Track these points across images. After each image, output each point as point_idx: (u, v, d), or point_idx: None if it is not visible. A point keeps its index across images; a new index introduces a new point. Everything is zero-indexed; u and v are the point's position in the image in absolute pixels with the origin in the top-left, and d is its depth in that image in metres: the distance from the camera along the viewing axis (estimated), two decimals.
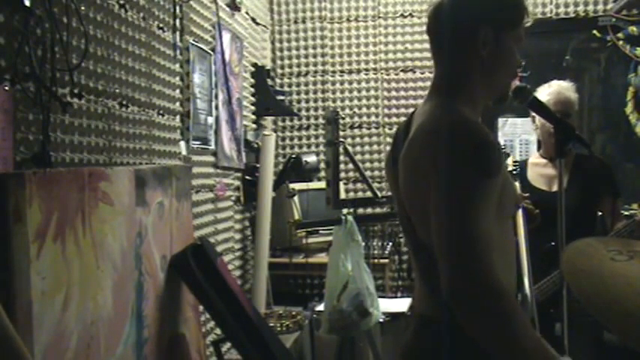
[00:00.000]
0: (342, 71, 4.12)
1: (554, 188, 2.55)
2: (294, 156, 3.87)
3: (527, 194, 2.47)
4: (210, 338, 2.58)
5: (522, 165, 2.70)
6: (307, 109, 4.16)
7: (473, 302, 1.13)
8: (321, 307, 2.95)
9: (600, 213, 2.61)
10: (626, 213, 2.57)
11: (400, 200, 1.40)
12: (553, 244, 2.34)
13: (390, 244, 3.87)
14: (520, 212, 2.31)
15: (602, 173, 2.60)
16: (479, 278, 1.13)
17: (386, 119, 4.07)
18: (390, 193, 3.38)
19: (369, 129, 4.09)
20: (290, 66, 4.16)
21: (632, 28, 3.71)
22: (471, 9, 1.36)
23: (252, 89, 3.61)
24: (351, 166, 3.89)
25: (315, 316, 3.09)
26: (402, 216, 1.41)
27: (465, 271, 1.14)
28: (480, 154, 1.21)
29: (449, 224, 1.18)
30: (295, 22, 4.15)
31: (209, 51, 2.81)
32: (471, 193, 1.18)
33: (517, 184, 2.50)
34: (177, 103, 2.50)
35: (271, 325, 3.00)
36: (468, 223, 1.16)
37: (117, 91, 1.95)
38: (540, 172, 2.65)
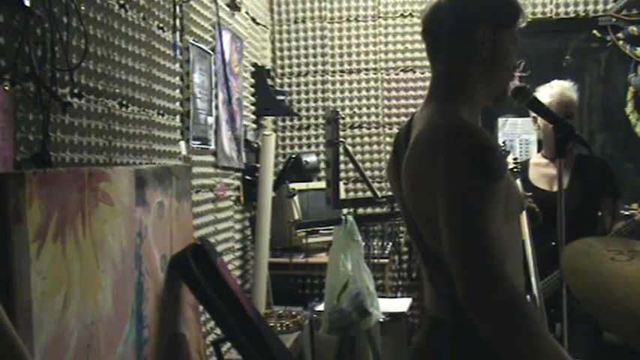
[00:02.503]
0: (342, 71, 4.11)
1: (556, 188, 2.55)
2: (294, 156, 3.87)
3: (529, 193, 2.47)
4: (210, 338, 2.58)
5: (524, 165, 2.70)
6: (307, 109, 4.16)
7: (490, 309, 1.13)
8: (321, 307, 2.96)
9: (600, 213, 2.61)
10: (626, 213, 2.57)
11: (405, 206, 1.39)
12: (553, 244, 2.34)
13: (390, 244, 3.87)
14: (523, 212, 2.31)
15: (603, 173, 2.60)
16: (495, 285, 1.13)
17: (386, 119, 4.07)
18: (390, 193, 3.40)
19: (369, 129, 4.09)
20: (290, 66, 4.16)
21: (632, 28, 3.71)
22: (467, 9, 1.36)
23: (252, 89, 3.61)
24: (351, 166, 3.89)
25: (315, 316, 3.09)
26: (408, 221, 1.40)
27: (481, 279, 1.14)
28: (484, 159, 1.20)
29: (460, 232, 1.18)
30: (295, 22, 4.14)
31: (209, 51, 2.81)
32: (479, 200, 1.18)
33: (518, 182, 2.50)
34: (177, 103, 2.50)
35: (271, 325, 3.00)
36: (480, 231, 1.16)
37: (117, 91, 1.95)
38: (542, 172, 2.65)
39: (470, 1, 1.37)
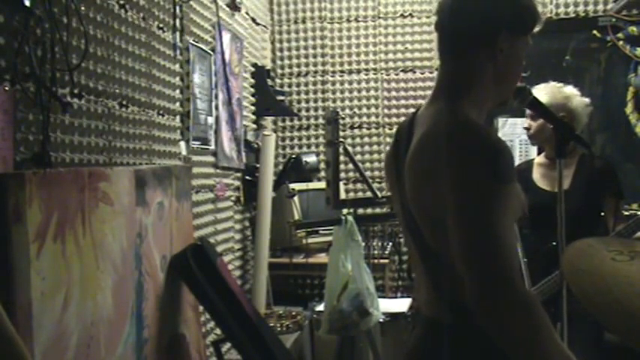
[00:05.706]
0: (342, 71, 4.12)
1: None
2: (294, 156, 3.87)
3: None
4: (210, 338, 2.58)
5: (529, 164, 2.70)
6: (307, 109, 4.16)
7: (503, 310, 1.12)
8: (321, 307, 2.95)
9: (602, 214, 2.61)
10: (626, 213, 2.56)
11: (404, 205, 1.37)
12: (555, 244, 2.34)
13: (390, 244, 3.87)
14: None
15: (606, 174, 2.59)
16: (507, 286, 1.12)
17: (386, 119, 4.07)
18: (390, 194, 3.40)
19: (369, 129, 4.09)
20: (290, 66, 4.16)
21: (632, 28, 3.71)
22: (490, 12, 1.32)
23: (252, 89, 3.61)
24: (351, 166, 3.89)
25: (315, 316, 3.09)
26: (407, 221, 1.38)
27: (494, 280, 1.13)
28: (497, 160, 1.19)
29: (472, 232, 1.17)
30: (295, 22, 4.15)
31: (209, 51, 2.81)
32: (492, 200, 1.17)
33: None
34: (177, 103, 2.50)
35: (271, 325, 3.00)
36: (491, 231, 1.15)
37: (117, 91, 1.95)
38: (545, 172, 2.64)
39: (493, 4, 1.33)
